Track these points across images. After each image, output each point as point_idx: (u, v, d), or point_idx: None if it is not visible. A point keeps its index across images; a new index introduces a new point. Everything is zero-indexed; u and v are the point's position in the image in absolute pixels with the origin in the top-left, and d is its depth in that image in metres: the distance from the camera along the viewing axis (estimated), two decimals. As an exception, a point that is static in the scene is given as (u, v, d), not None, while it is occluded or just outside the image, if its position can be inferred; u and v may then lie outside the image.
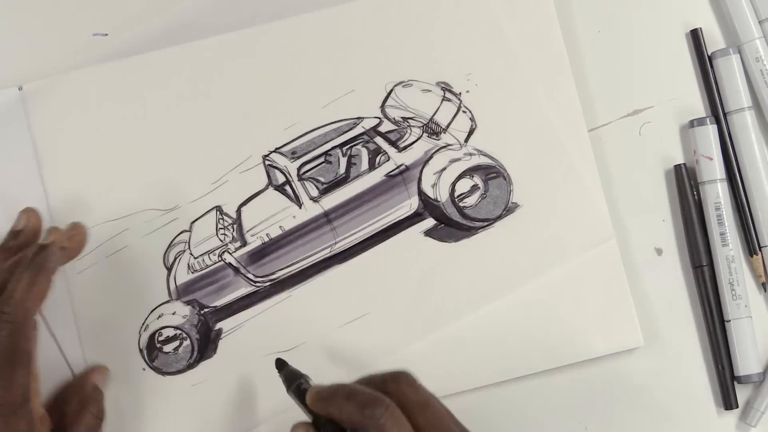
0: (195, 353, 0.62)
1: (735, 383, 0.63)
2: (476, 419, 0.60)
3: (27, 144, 0.63)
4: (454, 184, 0.63)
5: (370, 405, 0.48)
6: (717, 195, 0.63)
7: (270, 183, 0.63)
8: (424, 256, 0.62)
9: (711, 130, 0.63)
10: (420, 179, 0.63)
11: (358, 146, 0.63)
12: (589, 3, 0.66)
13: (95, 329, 0.62)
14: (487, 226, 0.63)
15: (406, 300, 0.62)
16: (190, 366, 0.62)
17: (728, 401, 0.63)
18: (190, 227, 0.63)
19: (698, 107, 0.65)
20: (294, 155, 0.63)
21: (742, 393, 0.63)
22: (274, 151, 0.63)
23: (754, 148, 0.63)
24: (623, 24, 0.66)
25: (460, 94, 0.63)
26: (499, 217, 0.63)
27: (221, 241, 0.63)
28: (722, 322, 0.63)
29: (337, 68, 0.63)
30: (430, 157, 0.63)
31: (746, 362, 0.62)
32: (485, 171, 0.63)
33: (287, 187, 0.63)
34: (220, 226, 0.62)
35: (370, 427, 0.47)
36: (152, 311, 0.62)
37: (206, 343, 0.62)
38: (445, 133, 0.63)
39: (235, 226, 0.63)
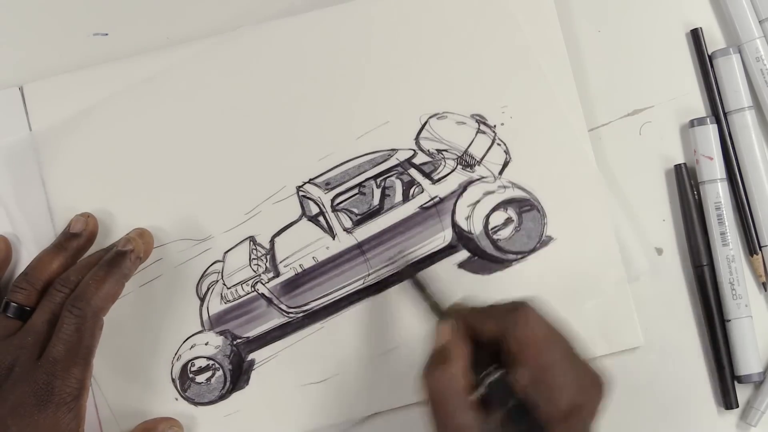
0: (227, 384, 0.62)
1: (735, 383, 0.63)
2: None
3: (28, 145, 0.63)
4: (488, 217, 0.63)
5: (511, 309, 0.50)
6: (717, 195, 0.63)
7: (303, 214, 0.63)
8: (458, 288, 0.62)
9: (711, 130, 0.63)
10: (454, 211, 0.63)
11: (392, 178, 0.63)
12: (589, 3, 0.65)
13: (127, 358, 0.62)
14: (521, 258, 0.63)
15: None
16: (223, 397, 0.62)
17: (728, 401, 0.63)
18: (224, 257, 0.63)
19: (698, 107, 0.65)
20: (328, 186, 0.63)
21: (742, 393, 0.64)
22: (308, 182, 0.63)
23: (755, 148, 0.63)
24: (623, 24, 0.65)
25: (494, 126, 0.63)
26: (533, 250, 0.63)
27: (254, 271, 0.62)
28: (722, 321, 0.63)
29: (372, 100, 0.63)
30: (464, 190, 0.63)
31: (746, 362, 0.62)
32: (519, 204, 0.63)
33: (321, 218, 0.63)
34: (253, 256, 0.62)
35: (511, 325, 0.49)
36: (185, 341, 0.62)
37: (239, 374, 0.62)
38: (479, 165, 0.63)
39: (268, 256, 0.63)
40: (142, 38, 0.64)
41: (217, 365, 0.62)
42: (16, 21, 0.65)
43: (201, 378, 0.62)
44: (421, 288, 0.59)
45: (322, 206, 0.63)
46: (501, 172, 0.63)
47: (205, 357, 0.62)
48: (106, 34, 0.64)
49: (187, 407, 0.62)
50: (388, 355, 0.62)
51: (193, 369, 0.62)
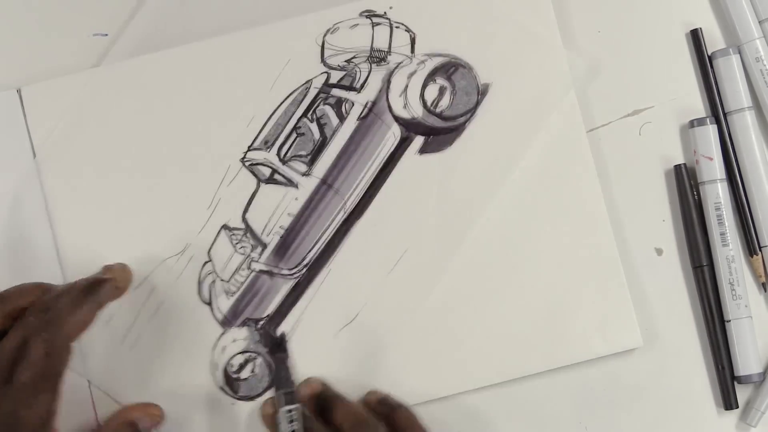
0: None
1: (735, 383, 0.63)
2: (476, 420, 0.63)
3: (26, 149, 0.63)
4: (422, 96, 0.63)
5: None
6: (717, 195, 0.63)
7: (259, 180, 0.63)
8: (430, 172, 0.63)
9: (711, 130, 0.63)
10: (390, 107, 0.63)
11: (321, 106, 0.63)
12: (589, 3, 0.65)
13: (170, 392, 0.62)
14: (471, 117, 0.63)
15: (434, 219, 0.63)
16: (274, 379, 0.62)
17: (728, 401, 0.63)
18: (209, 256, 0.63)
19: (698, 107, 0.65)
20: (267, 144, 0.63)
21: (742, 393, 0.63)
22: (248, 151, 0.63)
23: (754, 148, 0.63)
24: (623, 24, 0.65)
25: (384, 13, 0.63)
26: (478, 103, 0.63)
27: (243, 254, 0.62)
28: (722, 322, 0.63)
29: (266, 47, 0.63)
30: (389, 83, 0.63)
31: (746, 362, 0.62)
32: (444, 69, 0.63)
33: (277, 176, 0.63)
34: (235, 241, 0.62)
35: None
36: (214, 349, 0.62)
37: (277, 352, 0.62)
38: (390, 54, 0.63)
39: (248, 234, 0.62)
40: (142, 38, 0.64)
41: (253, 354, 0.62)
42: (15, 21, 0.64)
43: (245, 373, 0.62)
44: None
45: (271, 165, 0.63)
46: (413, 50, 0.63)
47: (239, 353, 0.62)
48: (106, 35, 0.64)
49: (247, 405, 0.62)
50: (399, 264, 0.62)
51: (233, 370, 0.62)
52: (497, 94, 0.63)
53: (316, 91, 0.63)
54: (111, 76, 0.63)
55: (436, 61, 0.63)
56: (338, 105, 0.63)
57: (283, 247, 0.63)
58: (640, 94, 0.65)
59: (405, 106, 0.63)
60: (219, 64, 0.64)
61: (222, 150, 0.63)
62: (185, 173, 0.63)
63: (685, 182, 0.64)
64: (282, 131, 0.63)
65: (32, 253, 0.62)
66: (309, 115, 0.63)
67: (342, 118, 0.63)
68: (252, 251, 0.62)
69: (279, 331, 0.62)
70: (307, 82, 0.63)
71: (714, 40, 0.66)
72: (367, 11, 0.63)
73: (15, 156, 0.62)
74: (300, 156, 0.63)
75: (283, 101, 0.63)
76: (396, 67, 0.63)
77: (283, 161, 0.63)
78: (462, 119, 0.63)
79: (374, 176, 0.63)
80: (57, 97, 0.63)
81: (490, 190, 0.63)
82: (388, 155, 0.63)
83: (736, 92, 0.64)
